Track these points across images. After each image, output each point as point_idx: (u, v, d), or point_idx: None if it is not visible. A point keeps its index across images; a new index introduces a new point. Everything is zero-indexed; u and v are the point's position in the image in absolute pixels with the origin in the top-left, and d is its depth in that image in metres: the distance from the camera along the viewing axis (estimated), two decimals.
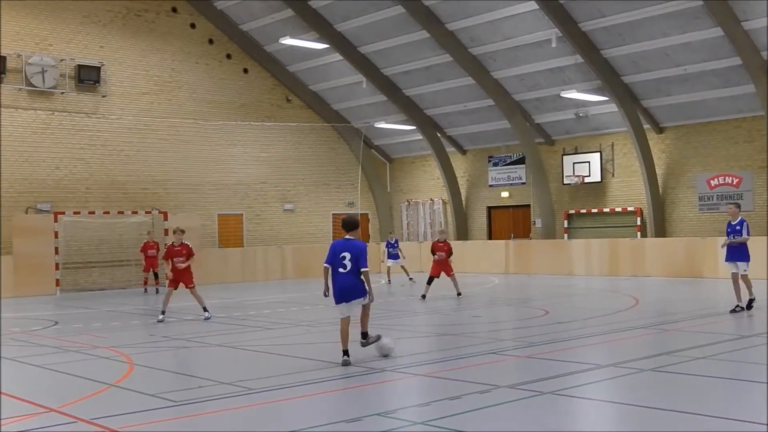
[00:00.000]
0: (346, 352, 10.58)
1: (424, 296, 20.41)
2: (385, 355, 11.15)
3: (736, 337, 12.84)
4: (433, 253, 20.91)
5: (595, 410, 8.16)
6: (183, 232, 17.18)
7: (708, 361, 10.54)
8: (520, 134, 30.88)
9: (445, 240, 21.42)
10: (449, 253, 20.94)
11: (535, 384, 9.00)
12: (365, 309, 11.04)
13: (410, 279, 26.51)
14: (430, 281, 20.77)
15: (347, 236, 10.94)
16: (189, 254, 16.89)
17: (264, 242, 32.64)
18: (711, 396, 8.46)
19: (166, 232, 27.75)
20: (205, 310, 16.92)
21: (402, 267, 26.81)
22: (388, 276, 27.17)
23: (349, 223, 11.04)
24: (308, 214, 34.64)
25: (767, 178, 26.60)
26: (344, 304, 10.77)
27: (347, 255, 10.66)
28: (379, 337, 11.08)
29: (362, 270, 10.67)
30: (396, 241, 27.48)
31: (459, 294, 20.68)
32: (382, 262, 28.30)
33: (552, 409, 8.02)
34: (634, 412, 7.83)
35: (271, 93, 33.74)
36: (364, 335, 11.06)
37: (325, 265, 10.83)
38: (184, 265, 16.74)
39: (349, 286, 10.69)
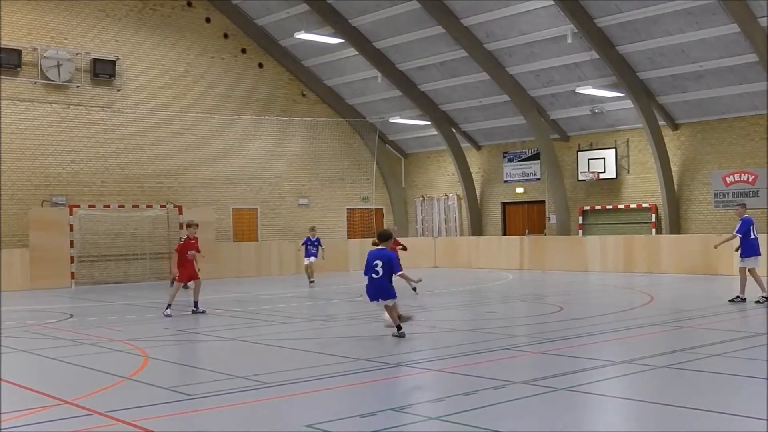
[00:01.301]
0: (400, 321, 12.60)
1: None
2: (389, 326, 13.15)
3: (751, 334, 12.75)
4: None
5: (609, 407, 8.14)
6: (197, 225, 17.33)
7: (723, 358, 10.49)
8: (535, 130, 30.80)
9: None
10: (399, 248, 20.71)
11: (550, 380, 8.98)
12: (390, 309, 12.67)
13: (311, 282, 24.01)
14: None
15: (380, 246, 12.81)
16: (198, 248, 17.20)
17: (278, 237, 32.68)
18: (726, 393, 8.42)
19: (180, 226, 27.86)
20: (196, 305, 16.92)
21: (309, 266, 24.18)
22: (310, 275, 24.47)
23: (383, 236, 13.00)
24: (323, 209, 34.67)
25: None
26: (378, 301, 12.64)
27: (379, 263, 12.46)
28: (402, 320, 12.69)
29: (399, 274, 12.75)
30: (318, 240, 24.60)
31: (415, 289, 20.24)
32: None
33: (566, 406, 8.00)
34: (648, 409, 7.80)
35: (286, 88, 33.77)
36: (398, 327, 12.49)
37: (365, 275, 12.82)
38: (199, 262, 16.88)
39: (380, 289, 12.53)
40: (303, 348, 12.25)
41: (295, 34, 28.69)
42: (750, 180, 27.24)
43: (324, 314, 16.68)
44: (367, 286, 12.76)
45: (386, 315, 13.16)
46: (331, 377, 9.56)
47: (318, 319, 16.09)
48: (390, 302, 12.61)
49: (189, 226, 17.31)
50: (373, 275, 12.51)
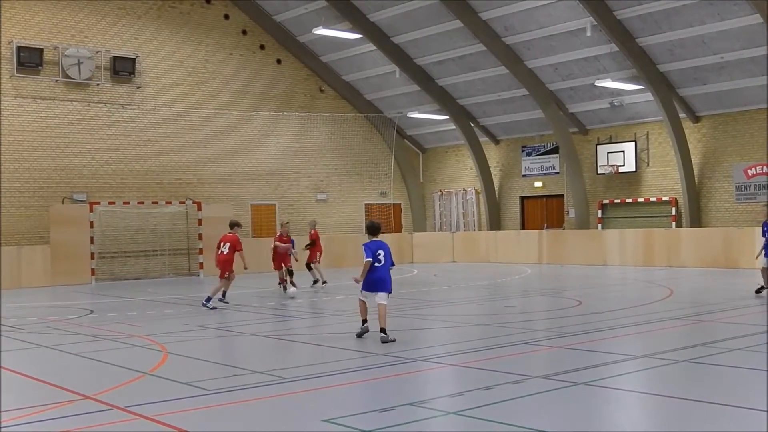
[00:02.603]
0: (365, 321, 12.16)
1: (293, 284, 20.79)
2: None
3: None
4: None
5: (629, 401, 8.09)
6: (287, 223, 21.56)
7: (744, 352, 10.41)
8: (553, 124, 30.68)
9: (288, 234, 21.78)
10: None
11: (569, 374, 8.95)
12: (384, 307, 12.02)
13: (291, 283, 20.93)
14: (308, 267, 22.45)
15: (374, 239, 12.41)
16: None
17: (297, 232, 32.66)
18: (747, 387, 8.34)
19: (200, 222, 27.98)
20: (224, 294, 17.66)
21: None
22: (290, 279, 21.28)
23: (376, 228, 12.71)
24: (341, 204, 34.70)
25: None
26: (370, 292, 12.17)
27: (381, 252, 12.16)
28: (393, 340, 11.83)
29: (393, 266, 12.38)
30: (291, 242, 21.74)
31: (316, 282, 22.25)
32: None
33: (586, 400, 7.97)
34: (668, 404, 7.76)
35: (305, 83, 33.79)
36: (384, 330, 11.84)
37: (369, 260, 12.08)
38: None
39: (382, 279, 12.11)
40: (321, 343, 12.28)
41: (314, 29, 28.69)
42: None
43: (342, 309, 16.69)
44: (369, 277, 12.12)
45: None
46: (350, 372, 9.58)
47: (336, 314, 16.11)
48: (388, 296, 12.21)
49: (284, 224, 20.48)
50: (376, 264, 12.08)
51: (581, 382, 8.54)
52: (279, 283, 21.06)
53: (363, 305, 12.31)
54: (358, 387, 8.93)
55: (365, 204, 35.36)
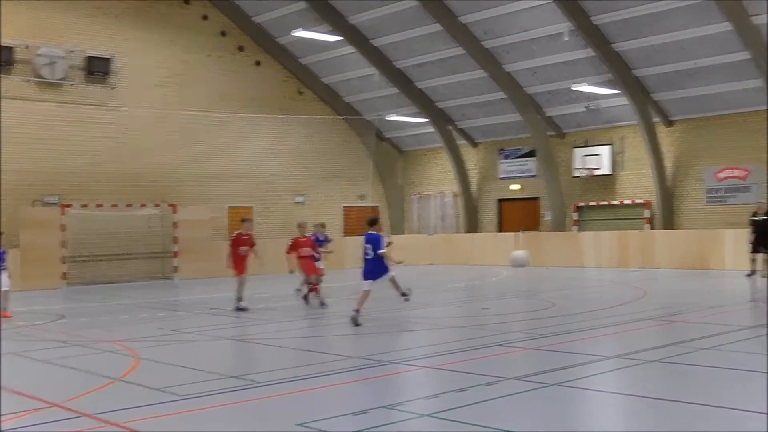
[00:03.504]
0: (359, 311, 13.45)
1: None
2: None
3: (742, 327, 12.78)
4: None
5: (601, 402, 8.14)
6: (251, 221, 19.26)
7: (715, 351, 10.52)
8: (531, 127, 30.82)
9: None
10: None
11: (542, 376, 8.98)
12: (366, 294, 13.71)
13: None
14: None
15: (369, 231, 13.91)
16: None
17: (275, 235, 32.54)
18: (717, 387, 8.42)
19: (175, 225, 27.76)
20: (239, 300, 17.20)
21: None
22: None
23: (371, 221, 14.22)
24: (319, 206, 34.55)
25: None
26: (371, 281, 13.71)
27: (368, 246, 13.66)
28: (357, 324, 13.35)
29: (379, 252, 13.67)
30: (325, 238, 19.91)
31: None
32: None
33: (559, 401, 8.00)
34: (640, 403, 7.81)
35: (284, 85, 33.67)
36: (357, 312, 13.48)
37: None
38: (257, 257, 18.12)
39: (372, 269, 13.66)
40: (296, 346, 12.24)
41: (293, 31, 28.52)
42: (742, 175, 27.34)
43: (318, 312, 16.66)
44: (363, 268, 13.86)
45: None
46: (324, 375, 9.54)
47: (312, 317, 16.07)
48: (389, 276, 13.76)
49: (244, 221, 18.34)
50: (366, 257, 13.72)
51: (554, 383, 8.58)
52: (310, 290, 18.29)
53: (362, 298, 13.72)
54: (333, 390, 8.90)
55: (343, 206, 35.29)
